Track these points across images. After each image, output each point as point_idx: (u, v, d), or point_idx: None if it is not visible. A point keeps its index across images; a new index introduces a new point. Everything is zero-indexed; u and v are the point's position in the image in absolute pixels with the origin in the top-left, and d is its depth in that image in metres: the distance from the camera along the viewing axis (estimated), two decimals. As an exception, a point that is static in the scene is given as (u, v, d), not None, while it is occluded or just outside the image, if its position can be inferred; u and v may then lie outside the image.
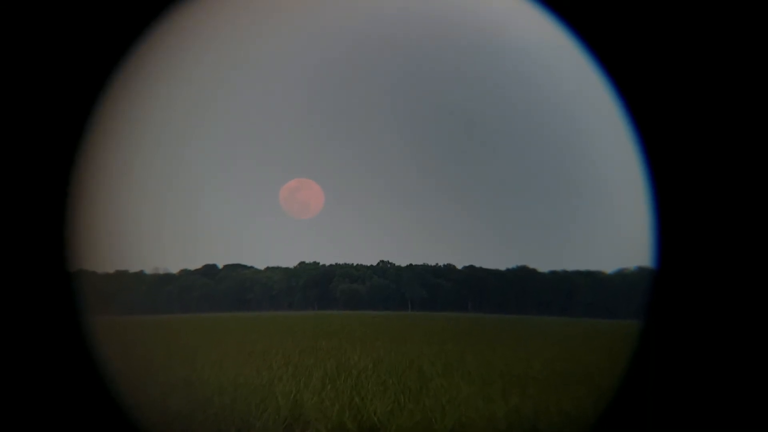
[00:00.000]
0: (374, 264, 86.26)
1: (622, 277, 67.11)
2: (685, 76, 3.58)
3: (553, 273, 79.98)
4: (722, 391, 3.47)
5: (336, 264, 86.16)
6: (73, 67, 3.41)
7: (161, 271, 79.09)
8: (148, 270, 78.55)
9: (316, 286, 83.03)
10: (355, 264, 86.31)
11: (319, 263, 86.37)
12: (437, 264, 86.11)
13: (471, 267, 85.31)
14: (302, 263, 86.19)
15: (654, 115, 3.62)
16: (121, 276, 75.53)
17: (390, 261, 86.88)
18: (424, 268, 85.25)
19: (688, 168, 3.58)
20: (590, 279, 73.29)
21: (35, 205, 3.38)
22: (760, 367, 3.45)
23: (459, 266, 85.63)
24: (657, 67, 3.61)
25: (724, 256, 3.56)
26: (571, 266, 76.51)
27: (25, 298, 3.38)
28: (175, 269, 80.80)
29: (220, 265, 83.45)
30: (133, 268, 77.46)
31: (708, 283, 3.57)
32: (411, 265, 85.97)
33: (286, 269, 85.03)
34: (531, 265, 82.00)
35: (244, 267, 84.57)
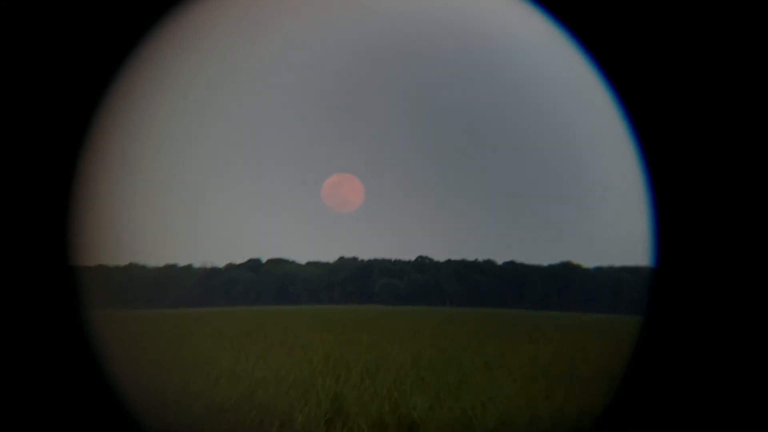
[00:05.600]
0: (412, 259, 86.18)
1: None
2: (683, 72, 3.45)
3: (599, 269, 77.69)
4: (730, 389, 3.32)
5: (375, 259, 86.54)
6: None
7: (209, 265, 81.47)
8: (197, 264, 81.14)
9: (355, 281, 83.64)
10: (393, 259, 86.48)
11: (358, 258, 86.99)
12: (476, 259, 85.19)
13: (511, 263, 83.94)
14: (342, 258, 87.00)
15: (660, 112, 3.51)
16: (171, 269, 78.27)
17: (428, 256, 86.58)
18: (463, 263, 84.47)
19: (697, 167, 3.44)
20: (638, 275, 70.86)
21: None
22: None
23: (499, 262, 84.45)
24: (654, 64, 3.49)
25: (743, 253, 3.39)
26: (618, 262, 74.02)
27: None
28: (221, 263, 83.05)
29: (264, 260, 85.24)
30: (183, 262, 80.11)
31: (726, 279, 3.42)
32: (449, 260, 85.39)
33: (327, 264, 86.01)
34: (575, 261, 79.94)
35: (287, 261, 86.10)
